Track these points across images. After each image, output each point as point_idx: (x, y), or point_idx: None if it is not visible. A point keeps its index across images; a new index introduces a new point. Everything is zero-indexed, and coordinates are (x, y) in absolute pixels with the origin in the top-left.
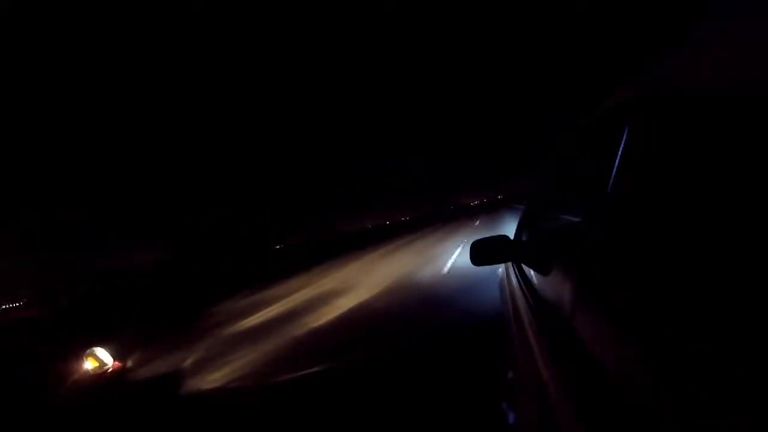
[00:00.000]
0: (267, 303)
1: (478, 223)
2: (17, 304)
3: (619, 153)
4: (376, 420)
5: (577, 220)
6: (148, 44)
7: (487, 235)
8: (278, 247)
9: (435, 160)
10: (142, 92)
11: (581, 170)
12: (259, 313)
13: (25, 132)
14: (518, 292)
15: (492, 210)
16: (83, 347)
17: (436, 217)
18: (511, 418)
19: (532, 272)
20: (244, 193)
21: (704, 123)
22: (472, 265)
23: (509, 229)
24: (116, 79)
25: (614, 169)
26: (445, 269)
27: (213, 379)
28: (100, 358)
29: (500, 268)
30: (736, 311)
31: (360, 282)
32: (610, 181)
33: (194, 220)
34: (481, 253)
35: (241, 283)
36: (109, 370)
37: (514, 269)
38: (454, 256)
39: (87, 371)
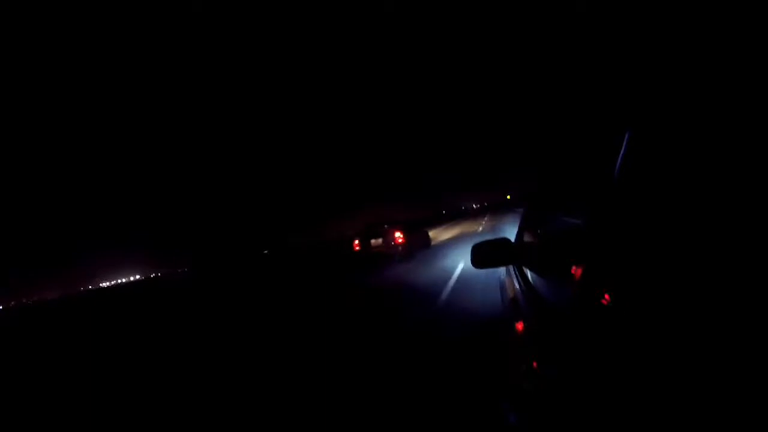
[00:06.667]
0: None
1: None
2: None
3: (620, 155)
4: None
5: (577, 222)
6: (148, 46)
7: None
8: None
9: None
10: (145, 95)
11: (581, 172)
12: None
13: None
14: (519, 294)
15: (494, 211)
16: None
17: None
18: (511, 418)
19: (532, 274)
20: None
21: (704, 124)
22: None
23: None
24: (117, 81)
25: (615, 172)
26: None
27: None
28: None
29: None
30: (737, 312)
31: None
32: (611, 184)
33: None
34: (482, 256)
35: None
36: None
37: (515, 271)
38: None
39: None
